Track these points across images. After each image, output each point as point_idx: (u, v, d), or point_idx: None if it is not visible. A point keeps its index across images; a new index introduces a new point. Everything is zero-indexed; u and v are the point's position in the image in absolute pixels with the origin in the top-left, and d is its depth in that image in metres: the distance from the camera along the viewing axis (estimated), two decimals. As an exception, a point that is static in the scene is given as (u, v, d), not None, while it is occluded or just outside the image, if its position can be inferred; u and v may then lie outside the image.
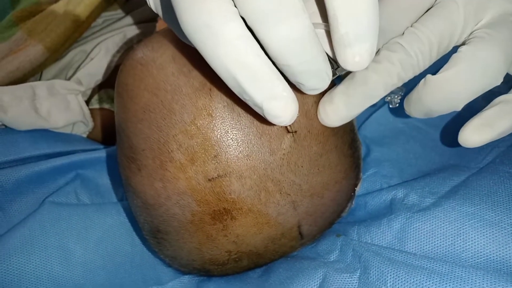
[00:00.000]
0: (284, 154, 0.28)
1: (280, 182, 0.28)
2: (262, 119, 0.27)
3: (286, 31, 0.19)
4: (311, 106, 0.29)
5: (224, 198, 0.27)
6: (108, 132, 0.48)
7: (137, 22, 0.49)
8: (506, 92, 0.27)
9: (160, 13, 0.24)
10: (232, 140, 0.27)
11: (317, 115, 0.28)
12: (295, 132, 0.28)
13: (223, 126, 0.27)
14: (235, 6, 0.19)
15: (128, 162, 0.29)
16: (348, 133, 0.32)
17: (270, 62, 0.20)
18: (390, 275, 0.27)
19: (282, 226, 0.29)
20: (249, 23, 0.19)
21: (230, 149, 0.27)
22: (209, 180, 0.27)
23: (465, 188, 0.33)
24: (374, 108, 0.45)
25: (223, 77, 0.20)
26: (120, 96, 0.30)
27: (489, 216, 0.30)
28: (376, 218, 0.34)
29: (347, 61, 0.21)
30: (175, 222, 0.29)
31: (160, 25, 0.36)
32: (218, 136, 0.27)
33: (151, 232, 0.31)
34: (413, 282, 0.26)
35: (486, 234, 0.29)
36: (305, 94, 0.28)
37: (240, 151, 0.27)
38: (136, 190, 0.29)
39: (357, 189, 0.34)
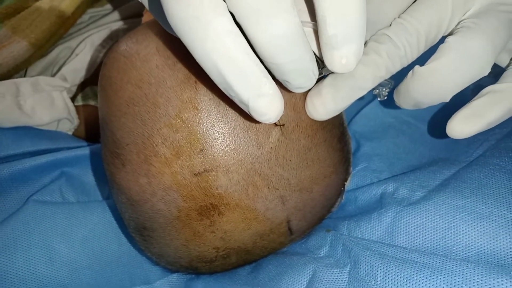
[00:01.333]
0: (272, 147, 0.27)
1: (268, 176, 0.27)
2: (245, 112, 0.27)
3: (276, 28, 0.19)
4: (299, 99, 0.28)
5: (210, 193, 0.27)
6: (94, 129, 0.47)
7: (123, 18, 0.48)
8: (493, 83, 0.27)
9: (146, 3, 0.24)
10: (219, 134, 0.26)
11: (305, 108, 0.28)
12: (283, 125, 0.27)
13: (209, 119, 0.26)
14: (224, 1, 0.19)
15: (112, 157, 0.29)
16: (337, 127, 0.31)
17: (258, 60, 0.20)
18: (380, 270, 0.26)
19: (270, 221, 0.29)
20: (238, 19, 0.19)
21: (216, 143, 0.26)
22: (195, 174, 0.26)
23: (456, 181, 0.32)
24: (364, 103, 0.44)
25: (209, 72, 0.20)
26: (103, 90, 0.29)
27: (479, 209, 0.29)
28: (366, 212, 0.34)
29: (334, 63, 0.21)
30: (161, 218, 0.28)
31: (146, 18, 0.36)
32: (204, 129, 0.26)
33: (137, 230, 0.30)
34: (403, 276, 0.25)
35: (477, 226, 0.28)
36: None
37: (227, 145, 0.26)
38: (121, 186, 0.29)
39: (347, 183, 0.34)
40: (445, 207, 0.30)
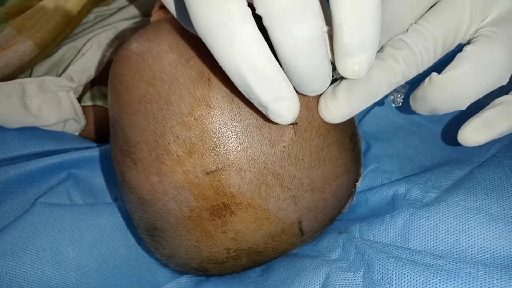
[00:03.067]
0: (284, 146, 0.27)
1: (280, 175, 0.27)
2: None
3: (303, 32, 0.19)
4: (312, 98, 0.28)
5: (223, 192, 0.26)
6: (101, 130, 0.46)
7: (130, 17, 0.47)
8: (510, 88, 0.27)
9: (172, 8, 0.24)
10: (231, 132, 0.26)
11: (317, 108, 0.28)
12: (296, 124, 0.27)
13: (221, 117, 0.26)
14: (248, 6, 0.19)
15: (123, 156, 0.28)
16: (349, 127, 0.31)
17: (278, 64, 0.21)
18: (395, 273, 0.26)
19: (282, 222, 0.28)
20: (265, 21, 0.19)
21: (229, 141, 0.26)
22: (208, 173, 0.26)
23: (469, 182, 0.32)
24: (374, 104, 0.44)
25: (232, 76, 0.21)
26: (114, 88, 0.29)
27: (494, 211, 0.29)
28: (378, 214, 0.33)
29: (347, 70, 0.22)
30: (172, 218, 0.27)
31: (155, 17, 0.35)
32: (217, 127, 0.26)
33: (147, 230, 0.30)
34: (419, 279, 0.25)
35: (492, 229, 0.28)
36: None
37: (240, 143, 0.26)
38: (131, 185, 0.28)
39: (358, 184, 0.34)
40: (459, 209, 0.30)
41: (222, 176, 0.26)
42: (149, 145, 0.27)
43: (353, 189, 0.33)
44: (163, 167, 0.26)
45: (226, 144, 0.26)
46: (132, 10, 0.47)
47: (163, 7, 0.36)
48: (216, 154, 0.26)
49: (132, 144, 0.27)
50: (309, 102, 0.28)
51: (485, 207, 0.29)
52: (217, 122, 0.26)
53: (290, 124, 0.27)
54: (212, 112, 0.26)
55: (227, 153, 0.26)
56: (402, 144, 0.40)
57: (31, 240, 0.33)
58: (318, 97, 0.28)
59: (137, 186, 0.28)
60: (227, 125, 0.26)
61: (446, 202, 0.31)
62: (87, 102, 0.45)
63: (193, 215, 0.27)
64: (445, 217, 0.30)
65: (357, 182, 0.33)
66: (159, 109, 0.26)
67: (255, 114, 0.26)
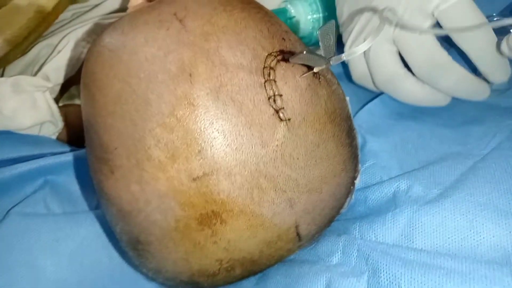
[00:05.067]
0: (277, 145, 0.25)
1: (274, 177, 0.25)
2: (251, 107, 0.24)
3: None
4: (305, 89, 0.26)
5: (212, 199, 0.24)
6: (80, 132, 0.43)
7: (109, 13, 0.45)
8: None
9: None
10: (218, 132, 0.24)
11: (312, 100, 0.26)
12: (289, 120, 0.25)
13: (207, 116, 0.24)
14: None
15: (99, 163, 0.26)
16: (345, 120, 0.29)
17: None
18: (404, 278, 0.24)
19: (278, 227, 0.26)
20: None
21: (216, 143, 0.24)
22: (194, 179, 0.24)
23: (473, 176, 0.30)
24: (367, 98, 0.42)
25: None
26: (86, 88, 0.27)
27: (503, 206, 0.27)
28: (379, 213, 0.31)
29: None
30: (157, 230, 0.25)
31: (131, 7, 0.32)
32: (202, 128, 0.23)
33: (131, 244, 0.27)
34: (431, 284, 0.23)
35: (502, 225, 0.26)
36: (297, 75, 0.26)
37: (228, 144, 0.24)
38: (110, 196, 0.26)
39: (356, 181, 0.32)
40: (465, 204, 0.28)
41: (210, 182, 0.24)
42: (128, 151, 0.24)
43: (351, 187, 0.31)
44: (144, 174, 0.24)
45: (213, 146, 0.23)
46: (112, 5, 0.45)
47: None
48: (202, 158, 0.23)
49: (109, 150, 0.25)
50: (303, 95, 0.26)
51: (493, 202, 0.28)
52: (202, 122, 0.23)
53: (283, 120, 0.25)
54: (196, 111, 0.23)
55: (215, 155, 0.23)
56: (399, 139, 0.38)
57: (5, 255, 0.30)
58: (312, 89, 0.26)
59: (117, 197, 0.25)
60: (213, 125, 0.23)
61: (451, 198, 0.29)
62: (65, 101, 0.42)
63: (180, 225, 0.25)
64: (451, 213, 0.28)
65: (355, 179, 0.31)
66: (137, 110, 0.24)
67: (244, 111, 0.24)
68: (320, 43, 0.23)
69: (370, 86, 0.40)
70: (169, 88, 0.24)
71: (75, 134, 0.43)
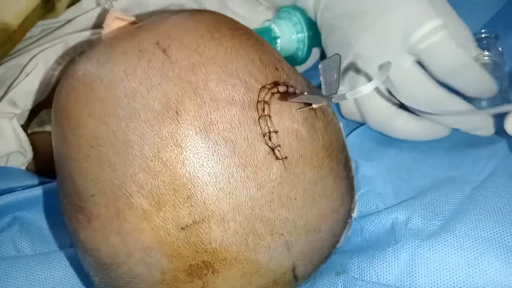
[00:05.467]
0: (273, 186, 0.23)
1: (271, 221, 0.23)
2: (245, 146, 0.22)
3: None
4: (302, 124, 0.24)
5: (202, 249, 0.22)
6: (53, 161, 0.40)
7: (82, 30, 0.41)
8: None
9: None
10: (209, 175, 0.21)
11: (309, 134, 0.24)
12: (286, 158, 0.23)
13: (196, 158, 0.21)
14: None
15: (75, 211, 0.23)
16: (341, 151, 0.28)
17: None
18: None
19: (274, 272, 0.24)
20: None
21: (207, 187, 0.21)
22: (182, 228, 0.21)
23: (473, 207, 0.29)
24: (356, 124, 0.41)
25: None
26: (59, 125, 0.24)
27: (508, 241, 0.26)
28: (377, 246, 0.30)
29: None
30: (141, 283, 0.23)
31: (107, 30, 0.30)
32: (191, 171, 0.21)
33: None
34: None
35: (510, 263, 0.25)
36: (293, 109, 0.24)
37: (220, 188, 0.21)
38: (87, 246, 0.23)
39: (353, 214, 0.30)
40: (469, 240, 0.27)
41: (201, 230, 0.21)
42: (106, 199, 0.22)
43: (348, 220, 0.29)
44: (126, 224, 0.21)
45: (203, 190, 0.21)
46: (85, 21, 0.41)
47: (120, 18, 0.31)
48: (191, 204, 0.21)
49: (85, 198, 0.22)
50: (299, 130, 0.24)
51: (498, 237, 0.27)
52: (191, 165, 0.21)
53: (279, 159, 0.23)
54: (184, 153, 0.21)
55: (206, 201, 0.21)
56: (392, 163, 0.37)
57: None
58: (309, 122, 0.24)
59: (95, 248, 0.23)
60: (203, 168, 0.21)
61: (453, 232, 0.28)
62: (35, 128, 0.39)
63: (167, 278, 0.22)
64: (454, 250, 0.27)
65: (352, 212, 0.30)
66: (116, 153, 0.22)
67: (237, 151, 0.22)
68: (321, 78, 0.21)
69: (359, 120, 0.39)
70: (153, 128, 0.21)
71: (47, 164, 0.40)
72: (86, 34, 0.40)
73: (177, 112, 0.21)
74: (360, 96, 0.20)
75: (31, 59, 0.38)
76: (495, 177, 0.32)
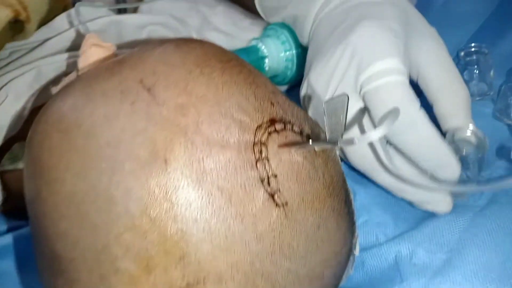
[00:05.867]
0: (274, 236, 0.21)
1: (272, 274, 0.21)
2: (242, 194, 0.20)
3: None
4: (302, 164, 0.22)
5: None
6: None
7: (55, 53, 0.38)
8: None
9: None
10: (204, 232, 0.19)
11: (310, 175, 0.22)
12: (286, 204, 0.21)
13: (189, 213, 0.19)
14: None
15: (53, 275, 0.21)
16: (342, 187, 0.26)
17: None
18: None
19: None
20: None
21: (202, 245, 0.19)
22: None
23: (477, 238, 0.28)
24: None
25: None
26: (32, 178, 0.21)
27: None
28: (381, 284, 0.29)
29: None
30: None
31: (84, 62, 0.27)
32: (184, 228, 0.19)
33: None
34: None
35: None
36: (292, 149, 0.22)
37: (217, 245, 0.19)
38: None
39: (355, 252, 0.28)
40: (478, 279, 0.26)
41: None
42: (88, 263, 0.19)
43: (350, 257, 0.27)
44: None
45: (198, 249, 0.19)
46: (59, 44, 0.38)
47: (98, 45, 0.28)
48: (185, 265, 0.19)
49: (64, 261, 0.20)
50: (300, 172, 0.22)
51: (506, 272, 0.26)
52: (183, 221, 0.19)
53: (279, 206, 0.21)
54: (175, 208, 0.19)
55: (201, 261, 0.19)
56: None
57: None
58: (309, 162, 0.22)
59: None
60: (197, 223, 0.19)
61: (460, 269, 0.27)
62: (7, 166, 0.36)
63: None
64: None
65: (354, 249, 0.28)
66: (98, 211, 0.19)
67: (233, 200, 0.20)
68: (325, 118, 0.19)
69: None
70: (139, 180, 0.19)
71: (21, 205, 0.37)
72: (60, 58, 0.37)
73: (165, 160, 0.19)
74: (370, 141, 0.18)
75: (0, 89, 0.35)
76: (495, 203, 0.31)
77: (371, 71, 0.28)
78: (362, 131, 0.29)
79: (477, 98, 0.40)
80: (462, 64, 0.40)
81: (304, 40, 0.37)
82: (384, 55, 0.28)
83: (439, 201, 0.30)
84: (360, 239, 0.32)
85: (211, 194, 0.19)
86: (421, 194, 0.30)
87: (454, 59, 0.42)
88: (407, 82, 0.28)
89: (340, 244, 0.24)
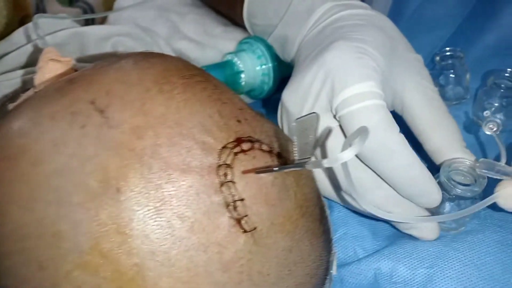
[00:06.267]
0: (242, 265, 0.19)
1: None
2: (205, 222, 0.18)
3: None
4: (271, 185, 0.21)
5: None
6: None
7: (13, 68, 0.36)
8: None
9: None
10: (163, 265, 0.18)
11: (280, 196, 0.21)
12: (255, 229, 0.20)
13: (145, 245, 0.18)
14: None
15: None
16: (316, 204, 0.25)
17: None
18: None
19: None
20: None
21: (161, 280, 0.18)
22: None
23: (457, 252, 0.28)
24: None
25: None
26: None
27: None
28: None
29: None
30: None
31: (40, 76, 0.25)
32: (139, 262, 0.17)
33: None
34: None
35: None
36: (259, 171, 0.20)
37: (177, 279, 0.18)
38: None
39: (333, 272, 0.27)
40: None
41: None
42: None
43: (327, 277, 0.26)
44: None
45: (157, 284, 0.18)
46: (15, 60, 0.36)
47: (56, 60, 0.26)
48: None
49: None
50: (268, 194, 0.20)
51: None
52: (140, 254, 0.17)
53: (247, 231, 0.19)
54: (130, 241, 0.17)
55: None
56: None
57: None
58: (279, 182, 0.21)
59: None
60: (155, 256, 0.18)
61: (442, 285, 0.26)
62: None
63: None
64: None
65: (331, 268, 0.26)
66: (45, 247, 0.18)
67: (196, 229, 0.18)
68: (294, 138, 0.18)
69: None
70: (88, 213, 0.17)
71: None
72: (17, 75, 0.35)
73: (118, 189, 0.18)
74: (339, 164, 0.17)
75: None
76: (477, 218, 0.30)
77: (345, 94, 0.26)
78: (325, 154, 0.27)
79: (454, 103, 0.39)
80: (437, 68, 0.40)
81: (290, 60, 0.36)
82: (359, 78, 0.27)
83: (423, 228, 0.28)
84: (339, 254, 0.31)
85: (171, 224, 0.18)
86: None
87: (429, 64, 0.42)
88: (384, 106, 0.27)
89: (315, 266, 0.23)
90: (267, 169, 0.19)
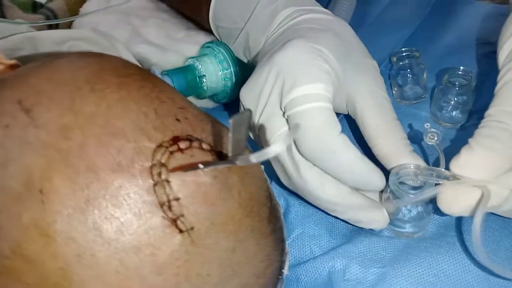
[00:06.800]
0: (178, 266, 0.19)
1: None
2: (137, 223, 0.18)
3: None
4: (210, 183, 0.20)
5: None
6: None
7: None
8: None
9: None
10: (91, 268, 0.17)
11: (221, 195, 0.20)
12: (192, 229, 0.19)
13: (71, 248, 0.17)
14: None
15: None
16: (264, 204, 0.24)
17: None
18: None
19: None
20: None
21: (89, 283, 0.17)
22: None
23: (412, 257, 0.28)
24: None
25: None
26: None
27: None
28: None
29: None
30: None
31: None
32: (65, 266, 0.17)
33: None
34: None
35: None
36: (200, 170, 0.20)
37: (106, 283, 0.17)
38: None
39: (285, 271, 0.26)
40: None
41: None
42: None
43: (279, 276, 0.26)
44: None
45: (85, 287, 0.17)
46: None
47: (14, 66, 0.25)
48: None
49: None
50: (207, 193, 0.20)
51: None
52: (65, 258, 0.17)
53: (183, 231, 0.19)
54: (54, 244, 0.17)
55: None
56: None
57: None
58: (220, 180, 0.20)
59: None
60: (81, 259, 0.17)
61: (394, 284, 0.26)
62: None
63: None
64: None
65: (283, 268, 0.26)
66: None
67: (126, 231, 0.18)
68: (230, 135, 0.18)
69: None
70: (10, 217, 0.17)
71: None
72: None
73: (41, 191, 0.17)
74: (269, 157, 0.16)
75: None
76: (433, 225, 0.30)
77: (293, 95, 0.27)
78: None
79: (414, 102, 0.40)
80: (395, 69, 0.40)
81: (254, 62, 0.36)
82: (308, 79, 0.27)
83: (372, 220, 0.29)
84: (295, 253, 0.31)
85: (98, 226, 0.17)
86: (352, 213, 0.29)
87: (387, 65, 0.42)
88: (330, 108, 0.27)
89: (263, 266, 0.23)
90: (194, 167, 0.18)
